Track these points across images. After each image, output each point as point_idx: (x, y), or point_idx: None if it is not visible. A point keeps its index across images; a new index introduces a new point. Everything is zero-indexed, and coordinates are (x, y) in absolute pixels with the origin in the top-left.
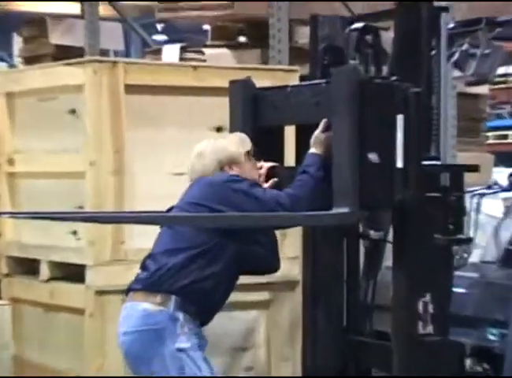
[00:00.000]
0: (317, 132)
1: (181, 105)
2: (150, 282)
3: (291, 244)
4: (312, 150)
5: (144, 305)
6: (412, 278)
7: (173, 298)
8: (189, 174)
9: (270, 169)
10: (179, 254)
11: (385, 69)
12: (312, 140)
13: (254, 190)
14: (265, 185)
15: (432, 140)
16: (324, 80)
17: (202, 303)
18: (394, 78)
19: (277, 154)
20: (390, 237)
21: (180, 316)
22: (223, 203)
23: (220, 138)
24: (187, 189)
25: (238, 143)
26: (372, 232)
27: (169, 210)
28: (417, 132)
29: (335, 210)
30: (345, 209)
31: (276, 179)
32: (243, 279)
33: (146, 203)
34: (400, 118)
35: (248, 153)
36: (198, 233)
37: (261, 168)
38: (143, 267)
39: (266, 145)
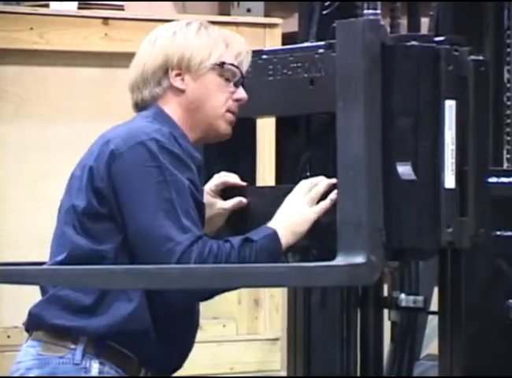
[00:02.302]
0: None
1: (81, 82)
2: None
3: (267, 316)
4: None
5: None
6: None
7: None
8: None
9: (236, 187)
10: None
11: (424, 25)
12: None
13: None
14: (227, 205)
15: (503, 143)
16: (322, 42)
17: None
18: (441, 38)
19: (245, 164)
20: (433, 306)
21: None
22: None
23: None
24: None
25: (207, 41)
26: (403, 297)
27: None
28: (479, 130)
29: (340, 259)
30: (358, 259)
31: (243, 200)
32: None
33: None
34: (451, 106)
35: (221, 66)
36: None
37: (238, 100)
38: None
39: (227, 150)
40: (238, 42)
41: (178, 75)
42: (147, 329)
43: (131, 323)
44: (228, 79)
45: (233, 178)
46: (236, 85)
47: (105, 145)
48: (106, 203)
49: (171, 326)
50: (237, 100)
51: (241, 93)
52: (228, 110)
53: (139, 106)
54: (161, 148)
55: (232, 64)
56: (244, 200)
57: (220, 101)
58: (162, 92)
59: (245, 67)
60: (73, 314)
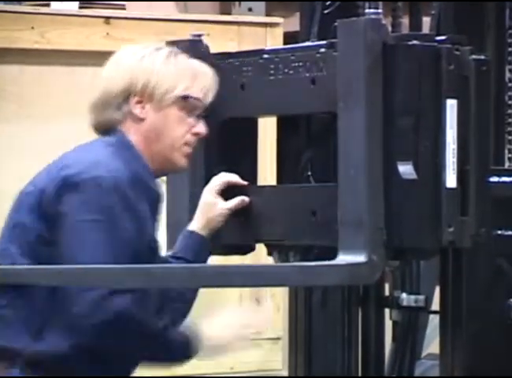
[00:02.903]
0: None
1: (82, 82)
2: None
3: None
4: (197, 227)
5: None
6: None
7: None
8: None
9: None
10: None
11: (426, 24)
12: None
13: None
14: (228, 205)
15: (505, 143)
16: (324, 42)
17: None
18: (442, 38)
19: (247, 164)
20: (434, 305)
21: None
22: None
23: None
24: None
25: (175, 72)
26: (405, 297)
27: None
28: (481, 129)
29: (341, 258)
30: (360, 257)
31: (245, 199)
32: None
33: None
34: (452, 105)
35: (185, 99)
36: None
37: (197, 134)
38: None
39: (229, 149)
40: (205, 74)
41: (139, 102)
42: (85, 360)
43: (70, 352)
44: (189, 112)
45: (234, 178)
46: (197, 118)
47: (62, 169)
48: (52, 229)
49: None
50: (196, 134)
51: (201, 127)
52: (186, 143)
53: (98, 129)
54: (115, 190)
55: (197, 98)
56: (246, 199)
57: (178, 134)
58: (122, 117)
59: (210, 98)
60: (14, 335)
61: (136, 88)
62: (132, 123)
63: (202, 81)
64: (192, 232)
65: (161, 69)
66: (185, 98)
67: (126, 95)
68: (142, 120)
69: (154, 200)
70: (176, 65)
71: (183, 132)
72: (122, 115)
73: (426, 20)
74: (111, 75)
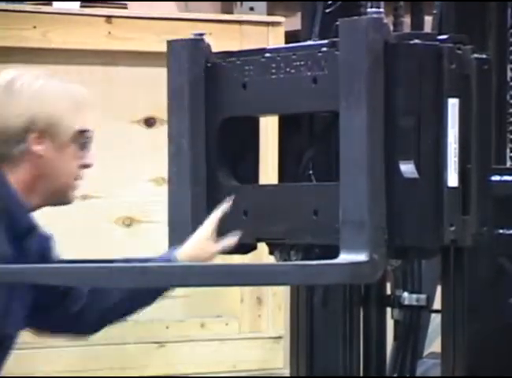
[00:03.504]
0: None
1: (84, 81)
2: None
3: (270, 314)
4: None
5: None
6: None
7: None
8: None
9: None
10: None
11: (428, 23)
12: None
13: None
14: (218, 247)
15: (506, 142)
16: (325, 41)
17: None
18: (444, 37)
19: (248, 163)
20: (436, 304)
21: None
22: None
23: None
24: None
25: (72, 106)
26: (406, 295)
27: None
28: (482, 128)
29: (343, 257)
30: (361, 257)
31: (234, 239)
32: None
33: None
34: (454, 104)
35: (82, 133)
36: None
37: (86, 167)
38: None
39: (230, 148)
40: (87, 100)
41: (38, 138)
42: None
43: None
44: (81, 146)
45: (218, 212)
46: (87, 149)
47: None
48: None
49: None
50: (86, 166)
51: (90, 158)
52: (76, 178)
53: None
54: None
55: (89, 131)
56: (234, 239)
57: (72, 170)
58: (14, 153)
59: (92, 121)
60: None
61: (37, 127)
62: (23, 160)
63: (85, 110)
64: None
65: (59, 106)
66: (82, 132)
67: (25, 132)
68: (39, 157)
69: (18, 234)
70: (69, 99)
71: (76, 167)
72: (17, 151)
73: (428, 19)
74: (8, 108)
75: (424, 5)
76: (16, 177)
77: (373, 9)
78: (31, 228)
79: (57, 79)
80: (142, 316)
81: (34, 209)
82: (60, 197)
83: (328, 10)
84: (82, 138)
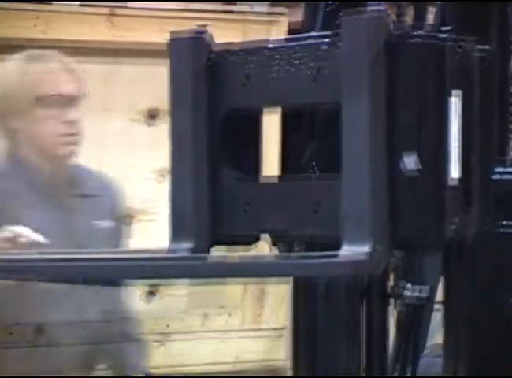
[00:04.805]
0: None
1: (85, 77)
2: None
3: (272, 306)
4: None
5: None
6: (478, 368)
7: None
8: None
9: None
10: None
11: (432, 14)
12: None
13: None
14: None
15: (508, 137)
16: (328, 33)
17: None
18: (446, 31)
19: (250, 156)
20: (438, 297)
21: None
22: None
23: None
24: None
25: (18, 78)
26: (409, 288)
27: None
28: (484, 124)
29: (345, 250)
30: (363, 248)
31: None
32: None
33: None
34: (456, 99)
35: (39, 98)
36: None
37: (69, 122)
38: None
39: (233, 143)
40: (43, 67)
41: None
42: None
43: None
44: (51, 107)
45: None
46: (65, 108)
47: None
48: None
49: None
50: (68, 122)
51: (70, 115)
52: (62, 135)
53: None
54: None
55: (48, 95)
56: None
57: (49, 130)
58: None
59: (64, 82)
60: None
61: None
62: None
63: (46, 77)
64: None
65: (9, 83)
66: (37, 99)
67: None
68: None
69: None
70: (23, 73)
71: (53, 126)
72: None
73: (431, 10)
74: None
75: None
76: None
77: (375, 4)
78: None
79: (23, 58)
80: (145, 308)
81: (44, 169)
82: (51, 153)
83: (330, 1)
84: (44, 102)
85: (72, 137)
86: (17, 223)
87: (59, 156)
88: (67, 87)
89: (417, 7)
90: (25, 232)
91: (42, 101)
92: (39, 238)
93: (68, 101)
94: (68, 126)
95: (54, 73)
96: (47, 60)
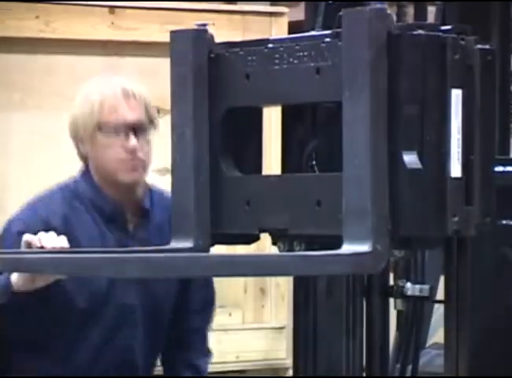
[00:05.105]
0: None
1: (87, 71)
2: None
3: (273, 305)
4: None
5: None
6: (478, 366)
7: None
8: None
9: None
10: None
11: (431, 14)
12: None
13: None
14: None
15: (510, 132)
16: (329, 31)
17: None
18: (447, 27)
19: (252, 153)
20: (439, 294)
21: None
22: None
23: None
24: None
25: (84, 105)
26: (409, 286)
27: None
28: (486, 119)
29: (345, 248)
30: (364, 247)
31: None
32: None
33: None
34: (457, 95)
35: (100, 126)
36: None
37: (129, 150)
38: None
39: (234, 139)
40: (109, 96)
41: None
42: None
43: None
44: (114, 134)
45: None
46: (127, 135)
47: None
48: None
49: None
50: (129, 149)
51: (130, 142)
52: (124, 160)
53: None
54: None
55: (108, 122)
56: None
57: (113, 156)
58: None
59: (122, 102)
60: None
61: (71, 133)
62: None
63: (105, 104)
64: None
65: (77, 110)
66: (99, 126)
67: (73, 138)
68: (85, 154)
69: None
70: (86, 100)
71: (115, 153)
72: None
73: (431, 10)
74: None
75: None
76: (92, 172)
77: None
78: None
79: (96, 82)
80: None
81: (111, 194)
82: (116, 181)
83: (331, 0)
84: (106, 130)
85: (135, 163)
86: (78, 246)
87: (122, 182)
88: (128, 114)
89: (417, 7)
90: (44, 237)
91: (104, 127)
92: (63, 243)
93: (131, 127)
94: (130, 152)
95: (117, 100)
96: (112, 86)
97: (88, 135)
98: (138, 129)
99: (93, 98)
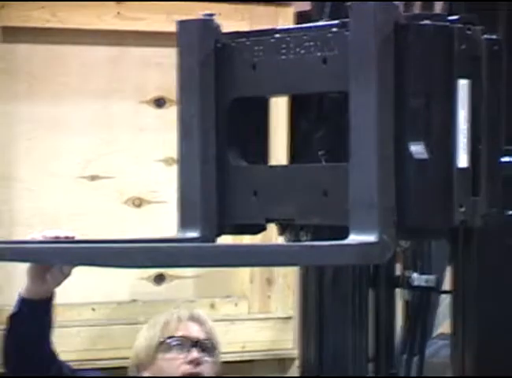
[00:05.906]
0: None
1: (93, 61)
2: None
3: (279, 295)
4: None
5: None
6: (485, 357)
7: None
8: None
9: None
10: None
11: (438, 4)
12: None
13: None
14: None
15: None
16: (336, 21)
17: None
18: (454, 17)
19: (259, 143)
20: (446, 285)
21: None
22: None
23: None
24: None
25: (149, 333)
26: (416, 276)
27: None
28: (493, 109)
29: (352, 238)
30: (370, 237)
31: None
32: None
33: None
34: (464, 85)
35: (163, 343)
36: None
37: (191, 362)
38: None
39: (240, 129)
40: (175, 319)
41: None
42: None
43: None
44: (176, 349)
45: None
46: (188, 350)
47: None
48: None
49: None
50: (191, 362)
51: (191, 355)
52: (184, 374)
53: None
54: None
55: (168, 342)
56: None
57: (173, 370)
58: None
59: (186, 322)
60: None
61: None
62: None
63: (171, 324)
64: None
65: (139, 340)
66: (161, 345)
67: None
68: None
69: None
70: (148, 328)
71: (175, 367)
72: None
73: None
74: None
75: None
76: None
77: None
78: None
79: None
80: (152, 296)
81: None
82: None
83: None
84: (167, 347)
85: (195, 373)
86: None
87: None
88: (193, 331)
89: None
90: (49, 231)
91: (165, 347)
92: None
93: (193, 343)
94: (192, 366)
95: (177, 321)
96: (177, 311)
97: (149, 361)
98: (200, 345)
99: (157, 321)
